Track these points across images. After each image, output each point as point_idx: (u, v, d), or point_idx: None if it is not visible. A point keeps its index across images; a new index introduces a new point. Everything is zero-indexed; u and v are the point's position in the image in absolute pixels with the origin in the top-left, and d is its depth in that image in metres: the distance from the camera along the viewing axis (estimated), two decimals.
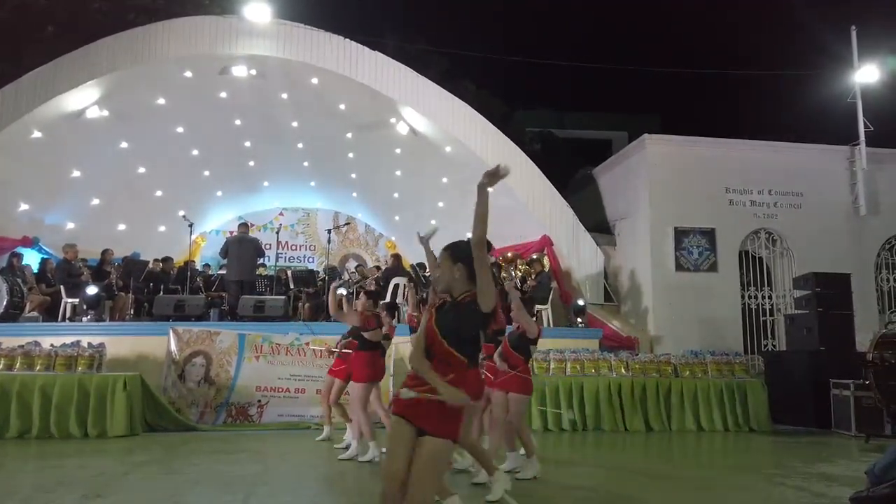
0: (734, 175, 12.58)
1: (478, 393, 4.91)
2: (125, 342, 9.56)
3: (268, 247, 12.86)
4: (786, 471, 6.26)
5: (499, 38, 30.09)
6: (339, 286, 7.62)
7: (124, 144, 13.24)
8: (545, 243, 12.69)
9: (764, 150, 12.87)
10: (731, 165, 12.62)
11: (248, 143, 14.64)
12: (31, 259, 12.56)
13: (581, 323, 11.54)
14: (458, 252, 3.18)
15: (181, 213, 13.19)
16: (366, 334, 6.48)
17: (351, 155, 14.87)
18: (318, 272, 13.83)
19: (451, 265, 3.15)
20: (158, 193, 14.90)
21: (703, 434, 9.21)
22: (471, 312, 3.02)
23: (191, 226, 12.29)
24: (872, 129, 12.69)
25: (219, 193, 16.41)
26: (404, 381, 3.12)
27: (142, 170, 14.12)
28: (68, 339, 8.85)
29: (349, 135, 14.00)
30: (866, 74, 12.94)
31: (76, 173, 13.02)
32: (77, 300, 10.77)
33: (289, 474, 5.94)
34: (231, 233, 15.15)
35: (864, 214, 12.65)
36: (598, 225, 13.70)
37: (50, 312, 10.95)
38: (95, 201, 13.83)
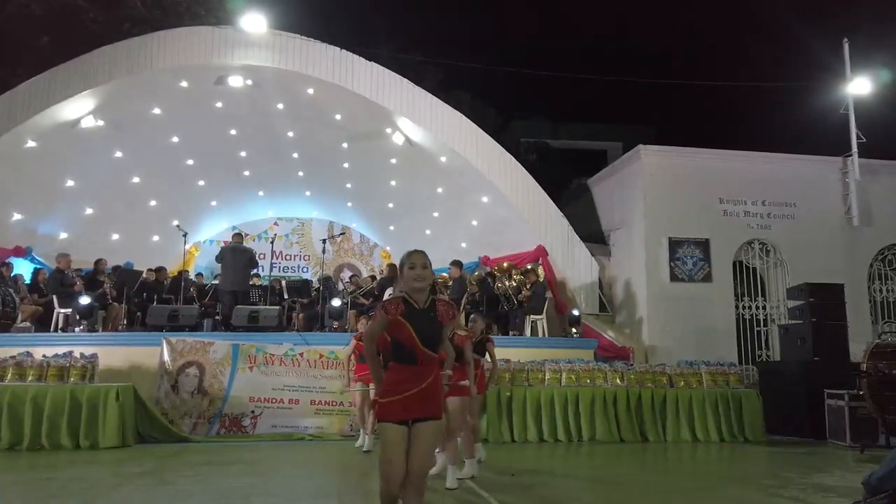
0: (728, 186, 12.64)
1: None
2: (118, 353, 9.49)
3: (262, 256, 12.82)
4: (781, 482, 6.25)
5: (494, 49, 30.22)
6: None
7: (119, 154, 13.23)
8: (540, 253, 12.70)
9: (758, 160, 12.94)
10: (726, 176, 12.69)
11: (243, 153, 14.64)
12: (24, 269, 12.50)
13: (576, 333, 11.54)
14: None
15: (175, 222, 13.18)
16: None
17: (346, 165, 14.88)
18: (313, 282, 13.81)
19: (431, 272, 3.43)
20: (152, 203, 14.87)
21: (699, 444, 9.19)
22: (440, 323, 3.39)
23: (185, 235, 12.27)
24: (865, 140, 12.79)
25: (213, 203, 16.39)
26: (384, 392, 3.34)
27: (136, 179, 14.10)
28: (60, 350, 8.78)
29: (344, 145, 14.02)
30: (859, 86, 13.06)
31: (70, 183, 13.00)
32: (70, 310, 10.71)
33: (283, 486, 5.89)
34: (225, 243, 15.12)
35: (858, 225, 12.73)
36: (593, 235, 13.73)
37: (42, 322, 10.88)
38: (89, 211, 13.80)
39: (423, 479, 3.30)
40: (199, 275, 14.77)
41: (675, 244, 12.29)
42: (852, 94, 13.01)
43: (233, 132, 13.79)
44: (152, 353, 9.49)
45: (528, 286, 12.13)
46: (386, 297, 11.61)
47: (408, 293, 3.34)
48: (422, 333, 3.27)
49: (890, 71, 14.13)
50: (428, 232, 15.87)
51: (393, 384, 3.30)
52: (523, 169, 12.81)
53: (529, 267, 12.69)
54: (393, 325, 3.30)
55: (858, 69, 13.09)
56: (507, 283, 12.83)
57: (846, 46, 13.12)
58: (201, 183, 15.31)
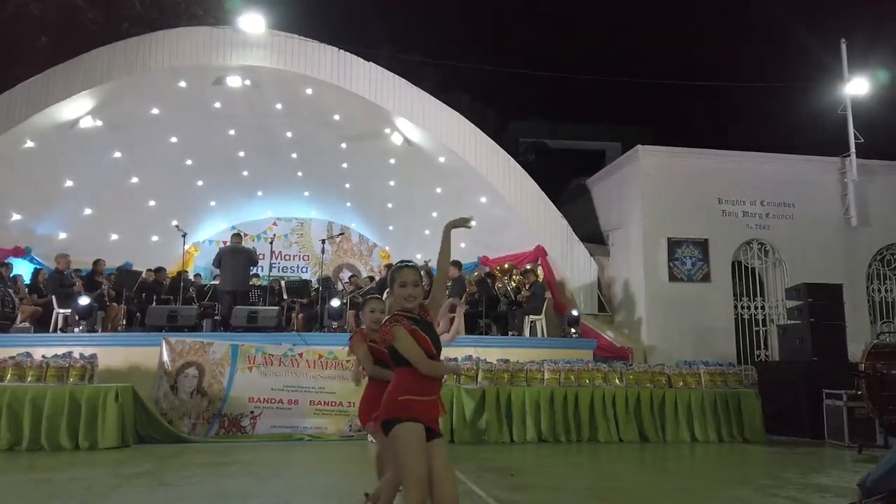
0: (727, 186, 12.65)
1: None
2: (117, 353, 9.50)
3: (261, 256, 12.82)
4: (779, 482, 6.26)
5: (492, 49, 30.24)
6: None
7: (118, 154, 13.23)
8: (539, 253, 12.71)
9: (756, 161, 12.96)
10: (724, 176, 12.70)
11: (241, 153, 14.64)
12: (23, 269, 12.49)
13: (575, 333, 11.55)
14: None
15: (174, 222, 13.17)
16: None
17: (345, 165, 14.89)
18: (312, 282, 13.81)
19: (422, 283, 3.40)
20: (151, 203, 14.87)
21: (697, 445, 9.20)
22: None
23: (184, 236, 12.27)
24: (863, 140, 12.81)
25: (212, 203, 16.39)
26: (408, 390, 3.13)
27: (135, 179, 14.10)
28: (60, 350, 8.78)
29: (343, 145, 14.02)
30: (856, 87, 13.07)
31: (69, 183, 12.99)
32: (69, 311, 10.70)
33: (281, 487, 5.90)
34: (224, 243, 15.11)
35: (856, 225, 12.74)
36: (592, 235, 13.73)
37: (41, 323, 10.88)
38: (88, 211, 13.79)
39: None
40: (196, 275, 14.77)
41: (673, 244, 12.30)
42: (850, 95, 13.02)
43: (231, 132, 13.79)
44: (151, 353, 9.49)
45: (527, 286, 12.13)
46: (385, 296, 11.62)
47: (402, 308, 3.28)
48: (434, 340, 3.25)
49: (887, 71, 14.17)
50: (427, 232, 15.88)
51: (413, 387, 3.14)
52: (522, 169, 12.82)
53: (528, 267, 12.70)
54: (413, 335, 3.22)
55: (856, 70, 13.11)
56: (506, 283, 12.84)
57: (844, 47, 13.13)
58: (200, 183, 15.31)
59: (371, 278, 14.49)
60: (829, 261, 12.34)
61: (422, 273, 3.43)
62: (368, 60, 12.26)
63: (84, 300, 10.52)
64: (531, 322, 11.60)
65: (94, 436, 8.03)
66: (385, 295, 11.69)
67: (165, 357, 9.43)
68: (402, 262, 3.45)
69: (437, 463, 3.01)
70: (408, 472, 2.96)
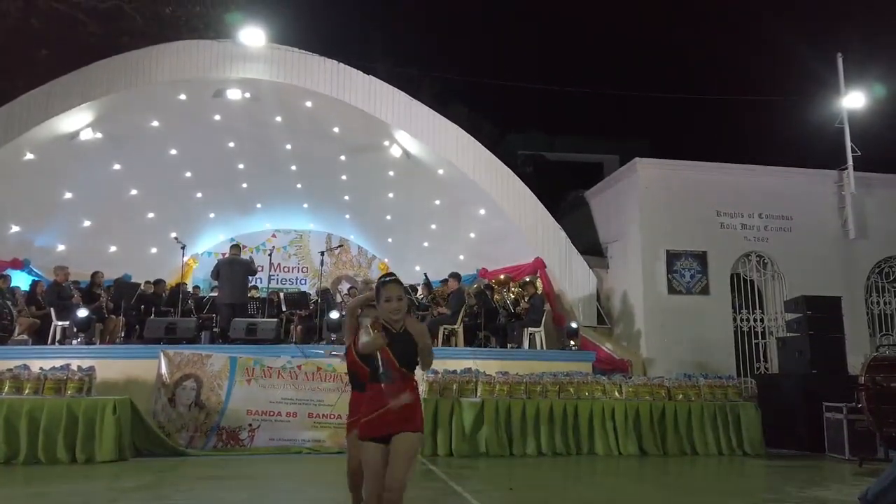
0: (725, 199, 12.69)
1: None
2: (115, 365, 9.45)
3: (260, 268, 12.82)
4: (780, 495, 6.24)
5: (491, 62, 30.41)
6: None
7: (117, 166, 13.25)
8: (538, 266, 12.72)
9: (754, 174, 13.00)
10: (722, 189, 12.74)
11: (241, 166, 14.67)
12: (22, 281, 12.47)
13: (574, 345, 11.52)
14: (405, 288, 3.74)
15: (173, 234, 13.17)
16: None
17: (344, 177, 14.92)
18: (311, 294, 13.79)
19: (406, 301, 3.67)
20: (150, 215, 14.88)
21: (697, 458, 9.16)
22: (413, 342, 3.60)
23: (183, 248, 12.26)
24: (860, 153, 12.87)
25: (211, 215, 16.41)
26: (364, 410, 3.58)
27: (134, 192, 14.12)
28: (58, 363, 8.72)
29: (342, 157, 14.06)
30: (853, 100, 13.16)
31: (68, 195, 13.00)
32: (67, 323, 10.67)
33: (279, 500, 5.86)
34: (223, 254, 15.11)
35: (854, 238, 12.77)
36: (591, 247, 13.74)
37: (39, 335, 10.84)
38: (87, 223, 13.79)
39: (399, 492, 3.34)
40: (195, 287, 14.74)
41: (672, 256, 12.32)
42: (847, 108, 13.11)
43: (231, 145, 13.83)
44: (149, 365, 9.45)
45: (526, 298, 12.12)
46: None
47: (384, 320, 3.59)
48: (399, 354, 3.52)
49: (883, 85, 14.28)
50: (426, 244, 15.89)
51: (373, 401, 3.52)
52: (520, 181, 12.85)
53: (527, 279, 12.70)
54: None
55: (852, 83, 13.20)
56: (505, 295, 12.83)
57: (840, 61, 13.22)
58: (199, 195, 15.33)
59: (370, 289, 14.46)
60: (827, 273, 12.36)
61: (406, 288, 3.70)
62: (367, 73, 12.33)
63: (82, 312, 10.49)
64: (530, 334, 11.58)
65: (91, 449, 7.97)
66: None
67: (163, 369, 9.38)
68: (386, 275, 3.74)
69: (390, 457, 3.40)
70: (366, 481, 3.53)
